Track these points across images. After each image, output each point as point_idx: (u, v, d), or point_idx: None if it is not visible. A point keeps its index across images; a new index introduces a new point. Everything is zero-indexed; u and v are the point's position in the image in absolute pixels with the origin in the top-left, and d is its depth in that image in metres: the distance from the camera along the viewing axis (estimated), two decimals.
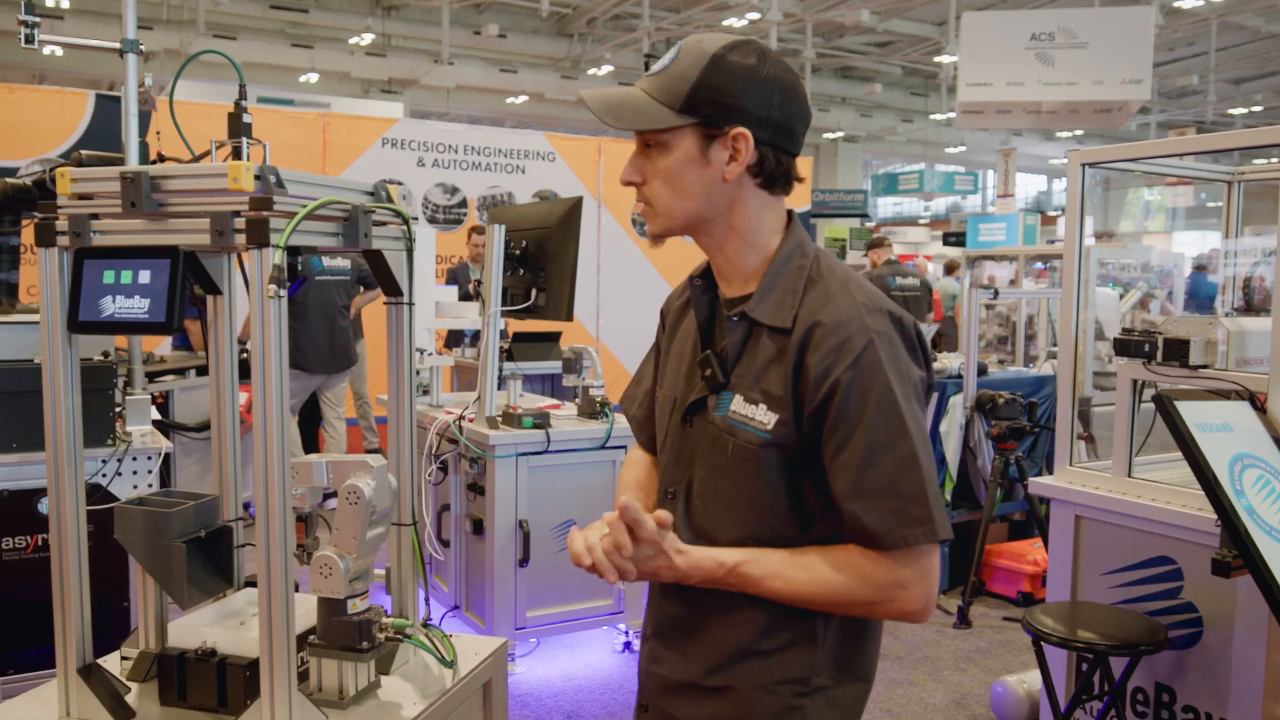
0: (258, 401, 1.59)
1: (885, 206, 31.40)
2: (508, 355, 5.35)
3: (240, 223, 1.58)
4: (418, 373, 4.54)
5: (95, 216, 1.66)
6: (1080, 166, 2.94)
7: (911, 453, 1.30)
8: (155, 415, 3.47)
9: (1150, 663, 2.79)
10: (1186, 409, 2.40)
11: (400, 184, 8.81)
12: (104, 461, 2.94)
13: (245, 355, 4.18)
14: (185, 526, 1.82)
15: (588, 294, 9.70)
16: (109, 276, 1.63)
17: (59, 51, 14.24)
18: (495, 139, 9.46)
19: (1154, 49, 12.79)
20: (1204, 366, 2.72)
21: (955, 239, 18.68)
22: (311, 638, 1.79)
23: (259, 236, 1.57)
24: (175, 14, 16.21)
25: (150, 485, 3.02)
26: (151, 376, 3.82)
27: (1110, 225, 28.14)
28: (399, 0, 17.76)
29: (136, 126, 3.20)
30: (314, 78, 18.06)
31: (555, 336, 5.86)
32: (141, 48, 3.23)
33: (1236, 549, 2.24)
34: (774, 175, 1.42)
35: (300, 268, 1.73)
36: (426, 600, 2.10)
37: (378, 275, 1.94)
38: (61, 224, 1.65)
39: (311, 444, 6.85)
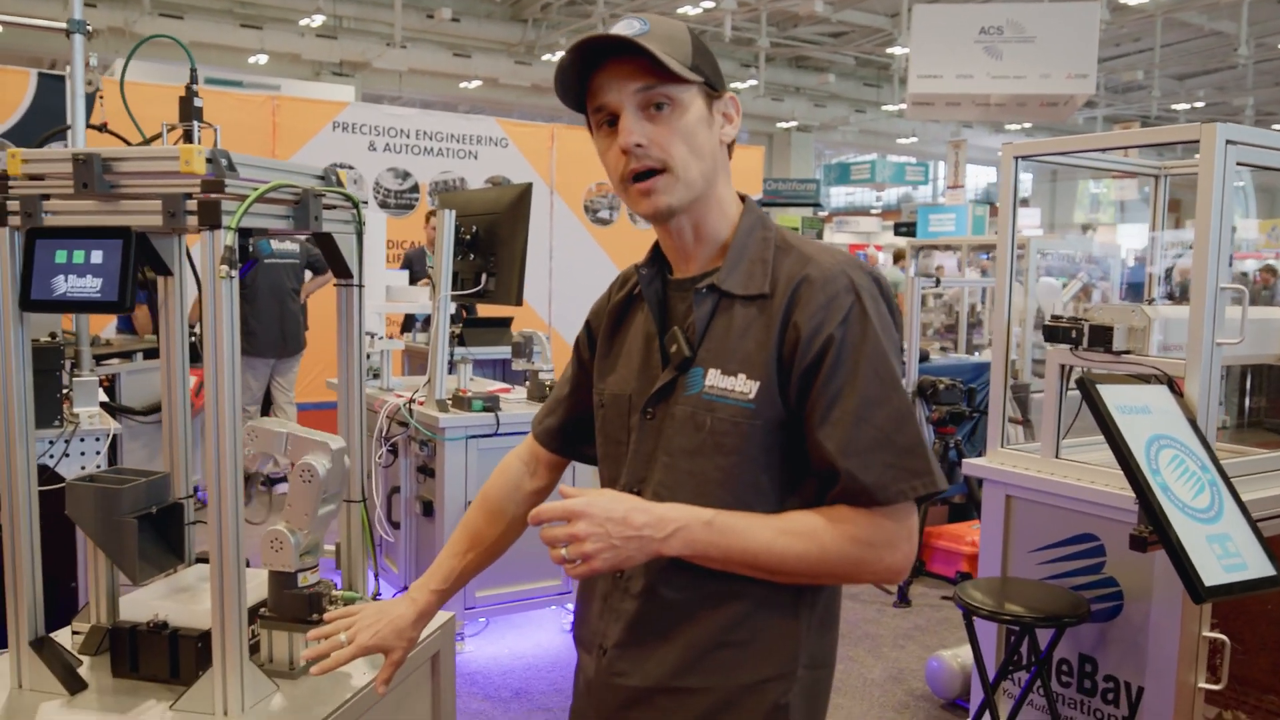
0: (210, 381, 1.63)
1: (838, 196, 31.68)
2: (459, 340, 5.38)
3: (192, 204, 1.62)
4: (368, 356, 4.57)
5: (47, 197, 1.69)
6: (1013, 159, 3.05)
7: (906, 406, 1.28)
8: (103, 398, 3.47)
9: (1074, 634, 2.92)
10: (1108, 392, 2.52)
11: (351, 168, 8.77)
12: (51, 443, 2.95)
13: (195, 338, 4.18)
14: (137, 502, 1.86)
15: (540, 280, 9.72)
16: (61, 256, 1.66)
17: None
18: (448, 124, 9.43)
19: (1100, 44, 13.06)
20: (1127, 352, 2.84)
21: (906, 229, 18.94)
22: (263, 610, 1.84)
23: (211, 218, 1.61)
24: None
25: (98, 466, 3.04)
26: (99, 360, 3.81)
27: (1059, 217, 28.63)
28: None
29: (84, 108, 3.19)
30: (263, 59, 17.82)
31: (507, 322, 5.88)
32: (89, 28, 3.22)
33: (1151, 525, 2.36)
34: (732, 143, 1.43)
35: (251, 249, 1.77)
36: (376, 575, 2.15)
37: (328, 258, 1.99)
38: (13, 204, 1.67)
39: None
